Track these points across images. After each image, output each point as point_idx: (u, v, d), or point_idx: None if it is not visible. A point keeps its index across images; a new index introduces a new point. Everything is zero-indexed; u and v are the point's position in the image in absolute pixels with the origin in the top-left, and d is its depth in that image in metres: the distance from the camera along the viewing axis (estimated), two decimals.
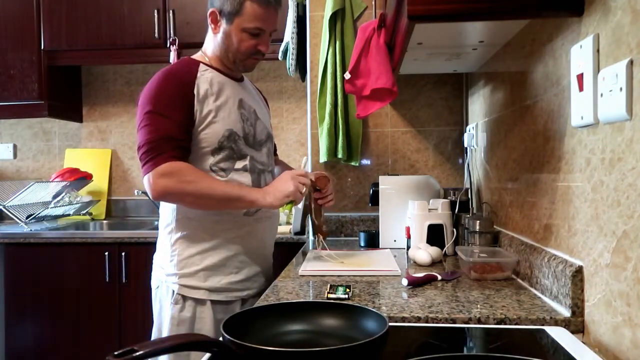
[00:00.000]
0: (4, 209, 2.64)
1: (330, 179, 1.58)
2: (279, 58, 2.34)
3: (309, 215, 1.61)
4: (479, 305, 1.09)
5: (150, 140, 1.31)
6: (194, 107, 1.36)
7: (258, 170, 1.47)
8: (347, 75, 1.68)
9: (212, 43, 1.47)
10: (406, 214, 1.77)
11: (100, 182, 3.06)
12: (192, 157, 1.37)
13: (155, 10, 2.66)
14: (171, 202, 1.40)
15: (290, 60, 2.25)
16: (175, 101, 1.34)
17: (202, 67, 1.42)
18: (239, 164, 1.43)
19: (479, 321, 1.01)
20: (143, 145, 1.32)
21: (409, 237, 1.72)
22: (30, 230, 2.52)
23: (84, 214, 2.97)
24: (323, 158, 2.14)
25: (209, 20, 1.43)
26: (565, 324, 0.98)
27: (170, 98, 1.34)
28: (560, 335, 0.91)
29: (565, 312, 1.00)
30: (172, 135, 1.32)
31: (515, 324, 1.00)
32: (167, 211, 1.43)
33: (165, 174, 1.30)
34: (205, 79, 1.40)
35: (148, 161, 1.31)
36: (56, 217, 2.87)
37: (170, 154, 1.31)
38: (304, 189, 1.42)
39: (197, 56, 1.48)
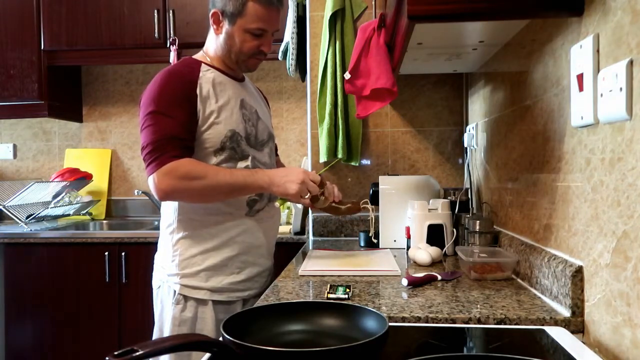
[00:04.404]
0: (4, 209, 2.64)
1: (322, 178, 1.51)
2: (279, 58, 2.34)
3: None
4: (479, 305, 1.09)
5: (154, 140, 1.30)
6: (196, 106, 1.36)
7: None
8: (347, 75, 1.68)
9: (214, 43, 1.46)
10: (406, 214, 1.77)
11: (100, 182, 3.06)
12: (194, 158, 1.37)
13: (155, 10, 2.66)
14: (178, 200, 1.39)
15: (290, 61, 2.25)
16: (179, 100, 1.34)
17: (203, 67, 1.42)
18: (241, 164, 1.42)
19: (479, 321, 1.01)
20: (147, 146, 1.31)
21: (409, 237, 1.72)
22: (30, 230, 2.52)
23: (84, 214, 2.97)
24: (323, 158, 2.14)
25: (210, 21, 1.43)
26: (565, 324, 0.98)
27: (173, 97, 1.34)
28: (560, 335, 0.91)
29: (565, 312, 1.00)
30: (175, 135, 1.32)
31: (515, 324, 1.00)
32: (169, 211, 1.43)
33: (169, 173, 1.29)
34: (207, 79, 1.40)
35: (152, 162, 1.30)
36: (56, 217, 2.87)
37: (174, 154, 1.30)
38: (308, 195, 1.41)
39: (198, 56, 1.48)
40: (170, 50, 2.64)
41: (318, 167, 2.21)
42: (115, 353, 0.59)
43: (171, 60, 2.61)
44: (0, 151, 3.19)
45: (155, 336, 1.46)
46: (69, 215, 2.92)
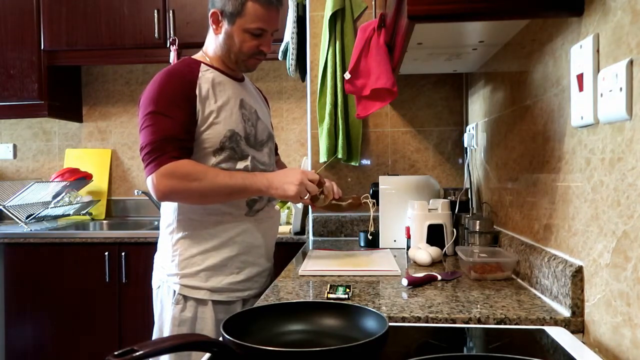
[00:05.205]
0: (4, 209, 2.64)
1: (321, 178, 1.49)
2: (279, 58, 2.34)
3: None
4: (479, 305, 1.09)
5: (153, 140, 1.31)
6: (196, 106, 1.36)
7: (259, 171, 1.47)
8: (347, 75, 1.68)
9: (213, 43, 1.46)
10: (406, 214, 1.77)
11: (100, 182, 3.06)
12: (193, 158, 1.37)
13: (155, 10, 2.66)
14: (176, 201, 1.39)
15: (290, 61, 2.25)
16: (178, 100, 1.34)
17: (203, 67, 1.42)
18: (241, 164, 1.42)
19: (479, 321, 1.01)
20: (145, 146, 1.32)
21: (409, 237, 1.72)
22: (30, 230, 2.52)
23: (84, 214, 2.97)
24: (323, 158, 2.14)
25: (210, 21, 1.43)
26: (565, 324, 0.98)
27: (172, 97, 1.34)
28: (560, 335, 0.91)
29: (565, 312, 1.00)
30: (174, 135, 1.32)
31: (515, 324, 1.00)
32: (169, 211, 1.43)
33: (168, 174, 1.30)
34: (207, 79, 1.40)
35: (151, 162, 1.31)
36: (56, 217, 2.87)
37: (173, 154, 1.30)
38: (307, 196, 1.40)
39: (197, 56, 1.48)
40: (170, 50, 2.64)
41: (318, 167, 2.21)
42: (115, 353, 0.59)
43: (171, 60, 2.61)
44: (0, 151, 3.19)
45: (155, 336, 1.46)
46: (69, 215, 2.92)
